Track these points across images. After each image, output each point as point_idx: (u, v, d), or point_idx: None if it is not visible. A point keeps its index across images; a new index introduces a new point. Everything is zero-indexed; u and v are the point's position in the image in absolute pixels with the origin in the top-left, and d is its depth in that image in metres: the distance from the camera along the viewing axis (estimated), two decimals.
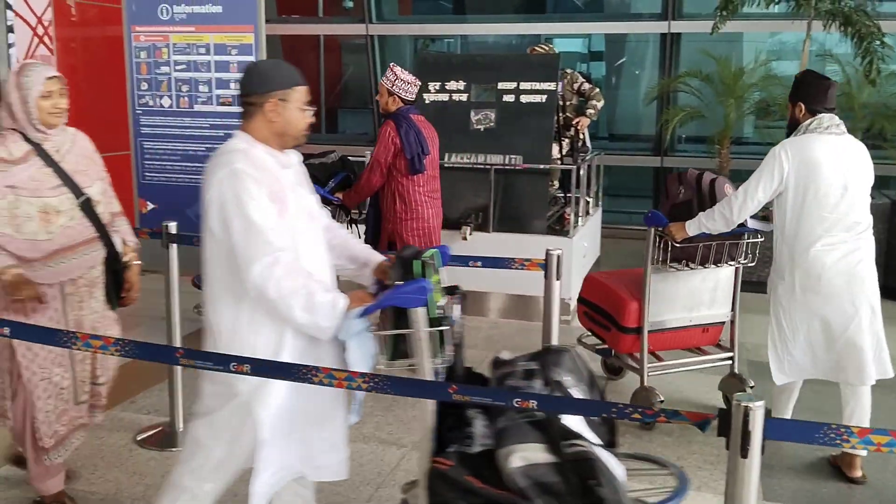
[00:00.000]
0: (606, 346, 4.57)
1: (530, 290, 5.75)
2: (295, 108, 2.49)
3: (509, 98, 6.23)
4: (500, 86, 6.25)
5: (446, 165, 6.24)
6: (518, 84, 6.20)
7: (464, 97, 6.31)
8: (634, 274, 4.36)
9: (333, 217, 5.30)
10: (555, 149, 6.44)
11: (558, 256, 3.45)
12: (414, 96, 4.88)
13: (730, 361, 4.40)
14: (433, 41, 10.14)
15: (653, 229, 4.07)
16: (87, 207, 3.13)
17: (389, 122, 4.81)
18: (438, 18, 9.96)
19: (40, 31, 7.13)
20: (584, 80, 6.88)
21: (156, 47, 6.69)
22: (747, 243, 4.09)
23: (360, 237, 4.04)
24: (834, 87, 3.74)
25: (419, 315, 2.39)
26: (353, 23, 9.06)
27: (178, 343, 3.96)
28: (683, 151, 9.51)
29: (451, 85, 6.32)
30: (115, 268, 3.27)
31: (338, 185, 5.21)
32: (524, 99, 6.18)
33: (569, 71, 6.96)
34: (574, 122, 6.82)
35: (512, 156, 6.11)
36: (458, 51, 9.95)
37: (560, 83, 6.45)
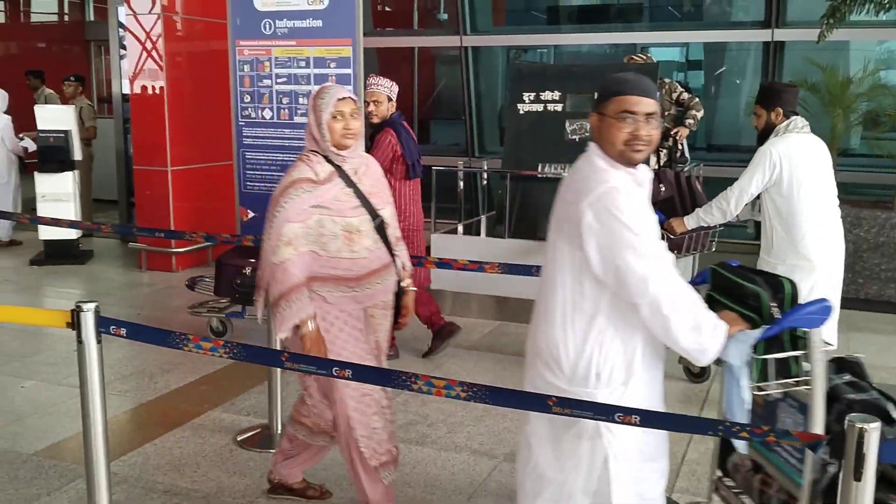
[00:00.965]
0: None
1: None
2: (610, 119, 2.31)
3: None
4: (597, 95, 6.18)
5: (539, 176, 6.22)
6: None
7: (558, 107, 6.27)
8: None
9: None
10: (652, 159, 6.32)
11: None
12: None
13: None
14: (525, 51, 10.13)
15: None
16: (382, 230, 3.12)
17: (389, 129, 4.98)
18: (532, 29, 9.94)
19: (149, 45, 7.46)
20: (682, 89, 6.74)
21: (258, 61, 6.90)
22: (714, 233, 4.70)
23: None
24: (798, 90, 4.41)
25: (817, 336, 2.27)
26: (447, 35, 9.15)
27: (277, 346, 4.05)
28: None
29: (546, 95, 6.29)
30: (396, 291, 3.22)
31: None
32: None
33: (667, 80, 6.83)
34: (672, 133, 6.69)
35: None
36: (551, 61, 9.91)
37: (658, 93, 6.33)
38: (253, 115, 6.99)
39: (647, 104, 2.28)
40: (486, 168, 7.07)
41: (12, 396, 4.66)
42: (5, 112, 8.44)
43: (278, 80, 6.86)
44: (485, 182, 7.58)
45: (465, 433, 4.21)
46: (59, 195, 7.79)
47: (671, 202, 4.66)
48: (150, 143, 7.51)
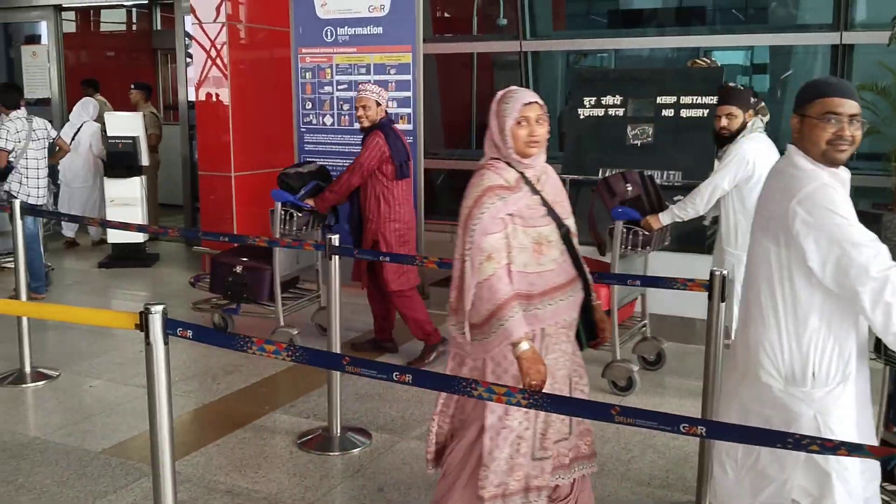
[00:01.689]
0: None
1: (688, 312, 5.53)
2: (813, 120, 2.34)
3: (668, 113, 6.06)
4: (659, 100, 6.10)
5: (600, 181, 6.15)
6: (678, 98, 6.03)
7: (620, 112, 6.20)
8: (590, 263, 4.58)
9: (308, 224, 5.62)
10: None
11: (723, 277, 3.32)
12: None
13: (644, 328, 5.25)
14: (585, 56, 10.04)
15: (620, 223, 4.74)
16: (568, 240, 2.93)
17: (378, 131, 5.16)
18: (593, 33, 9.85)
19: (213, 53, 7.61)
20: None
21: (320, 68, 6.99)
22: (669, 229, 4.94)
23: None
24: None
25: None
26: (507, 40, 9.13)
27: (337, 350, 4.09)
28: (856, 168, 8.88)
29: (607, 99, 6.23)
30: (586, 306, 2.97)
31: (308, 193, 5.50)
32: (684, 113, 6.00)
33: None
34: None
35: (671, 172, 5.94)
36: (611, 65, 9.80)
37: None
38: (314, 121, 7.09)
39: (851, 105, 2.31)
40: None
41: (81, 395, 4.79)
42: (95, 120, 8.73)
43: (339, 87, 6.94)
44: None
45: None
46: (126, 199, 8.01)
47: (639, 200, 4.88)
48: (215, 149, 7.65)
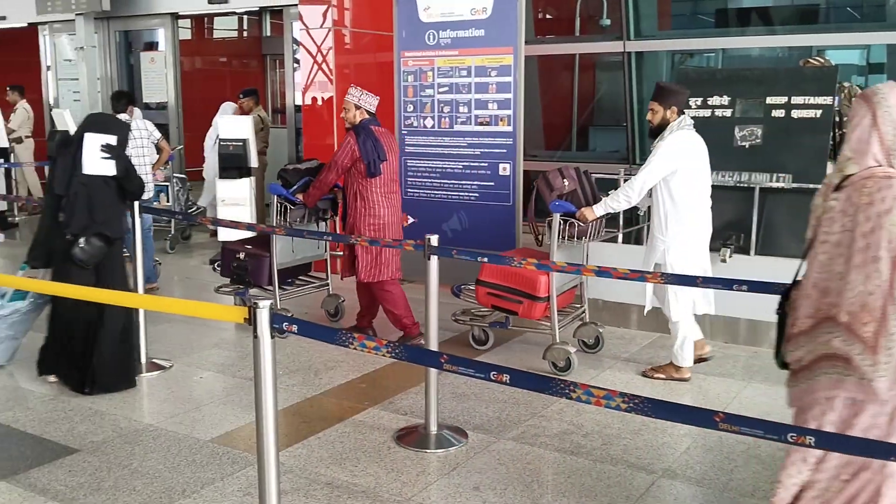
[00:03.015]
0: (504, 320, 5.56)
1: (623, 298, 5.47)
2: None
3: (779, 113, 5.86)
4: (769, 100, 5.90)
5: (540, 176, 5.99)
6: (789, 98, 5.82)
7: (727, 113, 6.03)
8: (531, 253, 5.39)
9: (303, 217, 6.17)
10: (829, 168, 5.95)
11: None
12: (374, 109, 5.70)
13: (584, 313, 5.64)
14: (691, 56, 9.81)
15: (558, 215, 5.10)
16: None
17: (351, 132, 5.59)
18: (699, 33, 9.61)
19: (319, 58, 7.81)
20: None
21: (422, 71, 7.08)
22: (606, 220, 5.40)
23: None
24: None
25: None
26: (610, 40, 9.01)
27: (434, 348, 4.13)
28: None
29: (714, 100, 6.07)
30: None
31: (299, 188, 5.96)
32: (796, 114, 5.78)
33: (846, 84, 6.41)
34: None
35: (780, 174, 5.74)
36: (718, 65, 9.53)
37: (836, 97, 5.97)
38: (415, 123, 7.18)
39: None
40: None
41: (192, 386, 5.01)
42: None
43: (440, 90, 7.02)
44: None
45: (621, 446, 4.12)
46: (237, 199, 8.29)
47: (575, 194, 5.25)
48: (319, 152, 7.84)
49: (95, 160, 4.71)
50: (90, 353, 4.71)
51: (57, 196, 4.68)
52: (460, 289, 5.81)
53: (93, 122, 4.92)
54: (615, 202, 5.02)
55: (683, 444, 4.14)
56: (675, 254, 4.84)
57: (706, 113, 6.11)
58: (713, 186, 5.88)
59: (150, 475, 3.79)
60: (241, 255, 6.15)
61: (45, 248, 4.72)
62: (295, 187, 5.95)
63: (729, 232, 5.80)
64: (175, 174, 9.33)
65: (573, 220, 5.13)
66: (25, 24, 11.98)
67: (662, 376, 5.06)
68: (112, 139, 4.76)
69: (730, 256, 5.61)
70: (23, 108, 11.51)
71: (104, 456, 3.98)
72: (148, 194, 7.39)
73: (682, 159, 4.82)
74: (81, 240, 4.60)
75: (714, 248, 5.68)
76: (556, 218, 5.12)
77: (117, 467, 3.86)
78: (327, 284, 6.49)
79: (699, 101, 6.14)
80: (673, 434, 4.24)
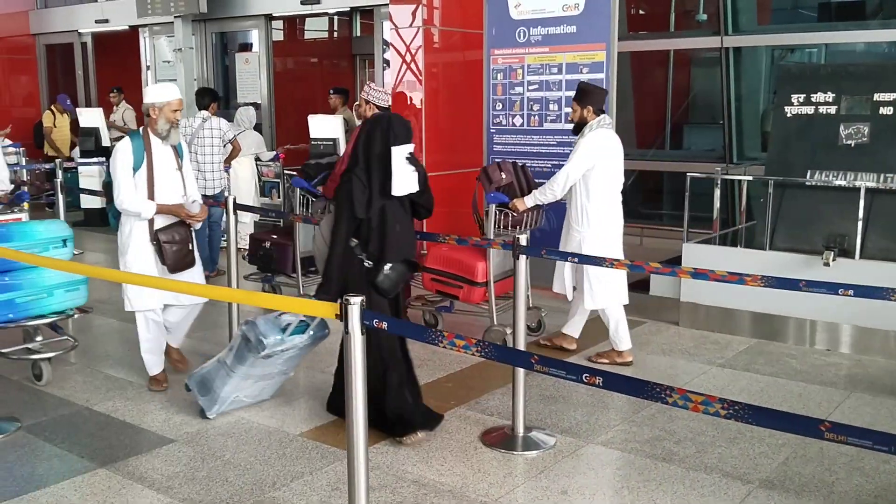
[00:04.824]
0: (448, 304, 5.93)
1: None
2: None
3: (887, 111, 5.58)
4: (877, 97, 5.62)
5: (808, 184, 5.76)
6: None
7: (832, 110, 5.78)
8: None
9: (324, 209, 5.95)
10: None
11: None
12: (387, 104, 5.70)
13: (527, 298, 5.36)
14: (792, 51, 9.46)
15: (493, 206, 5.44)
16: None
17: (360, 126, 5.77)
18: (801, 27, 9.25)
19: (408, 57, 7.84)
20: None
21: (511, 69, 7.03)
22: (543, 212, 5.78)
23: None
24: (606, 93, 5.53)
25: None
26: (707, 35, 8.76)
27: (521, 347, 4.08)
28: None
29: (818, 97, 5.82)
30: None
31: (320, 181, 6.11)
32: None
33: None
34: None
35: (889, 174, 5.46)
36: (821, 60, 9.16)
37: None
38: (504, 122, 7.13)
39: None
40: (747, 175, 6.67)
41: (288, 380, 5.08)
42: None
43: (530, 87, 6.95)
44: (744, 190, 7.16)
45: (716, 454, 3.98)
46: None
47: (512, 187, 5.57)
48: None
49: (405, 177, 4.07)
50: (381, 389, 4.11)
51: (353, 220, 4.03)
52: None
53: (397, 133, 4.10)
54: (542, 195, 5.34)
55: (782, 454, 3.97)
56: (591, 244, 5.14)
57: (809, 110, 5.87)
58: (814, 187, 5.70)
59: (242, 467, 3.87)
60: (267, 244, 6.48)
61: (340, 282, 4.00)
62: (316, 180, 6.20)
63: (832, 234, 5.55)
64: (285, 170, 9.54)
65: (508, 210, 5.46)
66: (127, 27, 12.48)
67: (606, 361, 5.31)
68: (412, 147, 4.13)
69: (833, 260, 5.37)
70: (123, 107, 12.00)
71: (198, 447, 4.09)
72: (214, 190, 7.64)
73: (599, 157, 5.12)
74: (386, 266, 4.03)
75: (816, 251, 5.47)
76: (492, 209, 5.47)
77: (211, 458, 3.96)
78: None
79: (801, 97, 5.90)
80: (770, 443, 4.07)
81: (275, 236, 6.58)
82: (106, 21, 12.69)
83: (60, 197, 7.20)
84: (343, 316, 2.73)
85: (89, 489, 3.66)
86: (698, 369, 5.23)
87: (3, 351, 4.90)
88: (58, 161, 7.86)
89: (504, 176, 5.63)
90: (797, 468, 3.84)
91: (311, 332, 4.35)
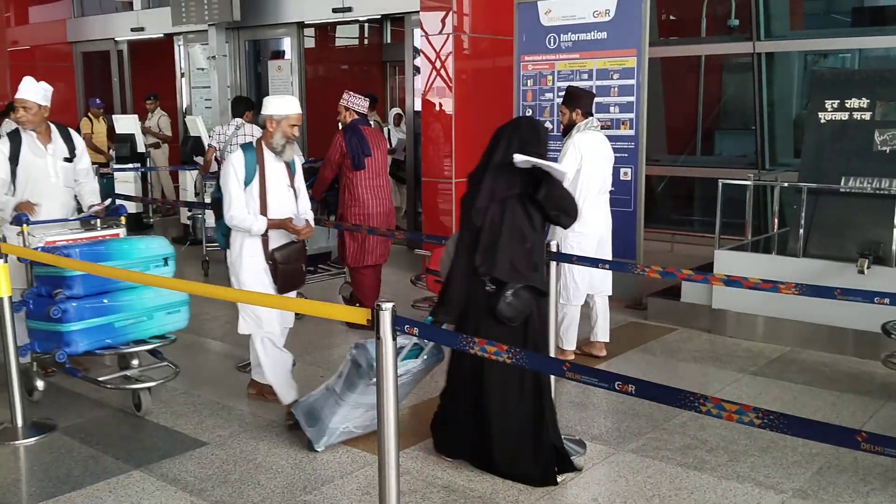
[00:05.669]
0: None
1: None
2: None
3: None
4: None
5: (842, 190, 5.69)
6: None
7: (866, 116, 5.70)
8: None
9: (316, 211, 6.36)
10: None
11: None
12: (365, 110, 6.36)
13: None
14: (825, 56, 9.35)
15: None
16: None
17: (341, 131, 6.24)
18: (834, 32, 9.14)
19: (438, 64, 7.87)
20: None
21: (542, 75, 7.03)
22: None
23: None
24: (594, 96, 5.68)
25: None
26: (739, 41, 8.70)
27: (552, 353, 4.07)
28: None
29: (852, 102, 5.75)
30: None
31: (309, 185, 6.16)
32: None
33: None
34: None
35: None
36: (854, 66, 9.04)
37: None
38: None
39: None
40: (780, 181, 6.60)
41: (313, 384, 5.08)
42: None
43: (560, 94, 6.92)
44: (776, 196, 7.09)
45: (748, 463, 3.94)
46: None
47: None
48: (437, 157, 7.92)
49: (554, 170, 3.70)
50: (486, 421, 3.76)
51: (474, 232, 3.68)
52: (419, 278, 6.33)
53: (525, 139, 3.75)
54: None
55: (815, 463, 3.93)
56: (572, 243, 5.27)
57: (843, 116, 5.80)
58: (849, 193, 5.63)
59: (273, 470, 3.90)
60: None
61: (460, 301, 3.73)
62: (308, 182, 6.50)
63: (867, 242, 5.48)
64: None
65: None
66: (162, 35, 12.65)
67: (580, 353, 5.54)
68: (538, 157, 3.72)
69: (868, 267, 5.29)
70: (159, 114, 12.19)
71: (231, 450, 4.13)
72: None
73: (585, 158, 5.24)
74: (509, 292, 3.59)
75: (851, 258, 5.40)
76: None
77: (243, 461, 4.00)
78: (344, 272, 6.79)
79: (835, 103, 5.83)
80: (804, 452, 4.03)
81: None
82: (141, 29, 12.89)
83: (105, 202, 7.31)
84: (374, 322, 2.75)
85: (123, 491, 3.72)
86: (730, 377, 5.19)
87: (99, 379, 4.63)
88: (94, 167, 7.98)
89: None
90: (831, 478, 3.79)
91: (425, 357, 3.95)
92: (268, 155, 4.41)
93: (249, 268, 4.40)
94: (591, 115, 5.41)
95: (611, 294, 5.66)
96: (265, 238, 4.39)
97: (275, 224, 4.40)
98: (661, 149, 9.52)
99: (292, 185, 4.54)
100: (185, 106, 12.82)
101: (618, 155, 6.68)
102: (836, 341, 5.56)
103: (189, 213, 9.41)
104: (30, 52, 14.03)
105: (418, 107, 8.77)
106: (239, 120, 7.90)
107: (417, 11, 8.19)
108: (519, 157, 3.59)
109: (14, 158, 4.99)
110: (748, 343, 5.83)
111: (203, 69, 12.20)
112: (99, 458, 4.07)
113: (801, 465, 3.93)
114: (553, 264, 5.27)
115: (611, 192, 5.64)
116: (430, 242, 6.60)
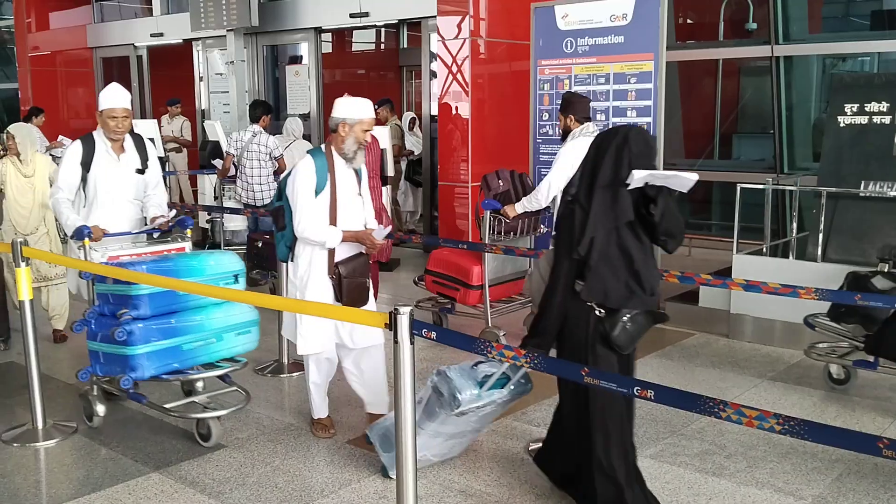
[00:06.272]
0: (449, 306, 6.14)
1: None
2: None
3: None
4: None
5: (861, 195, 5.65)
6: None
7: (886, 119, 5.66)
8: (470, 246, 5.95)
9: None
10: None
11: None
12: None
13: (531, 303, 5.59)
14: (844, 60, 9.29)
15: (489, 212, 5.65)
16: None
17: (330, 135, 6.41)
18: (853, 35, 9.08)
19: (454, 69, 7.89)
20: None
21: (558, 79, 7.02)
22: (541, 219, 6.05)
23: None
24: (590, 101, 5.66)
25: None
26: (757, 44, 8.66)
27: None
28: None
29: (872, 106, 5.71)
30: None
31: None
32: None
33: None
34: None
35: None
36: (873, 69, 8.98)
37: None
38: (550, 132, 7.12)
39: None
40: (799, 185, 6.56)
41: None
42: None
43: None
44: (795, 200, 7.05)
45: (767, 469, 3.92)
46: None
47: (508, 194, 5.81)
48: (454, 160, 7.94)
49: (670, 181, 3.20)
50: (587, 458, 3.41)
51: (575, 260, 3.28)
52: (421, 278, 6.45)
53: (636, 152, 3.24)
54: (529, 203, 5.58)
55: (835, 470, 3.90)
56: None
57: (863, 120, 5.76)
58: (868, 198, 5.59)
59: (291, 473, 3.92)
60: (259, 244, 6.82)
61: (555, 333, 3.38)
62: None
63: (887, 246, 5.43)
64: None
65: (500, 216, 5.71)
66: (181, 41, 12.75)
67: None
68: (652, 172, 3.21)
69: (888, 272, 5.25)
70: (181, 119, 12.28)
71: (249, 452, 4.15)
72: (263, 201, 7.83)
73: (577, 166, 5.01)
74: (624, 317, 3.24)
75: (870, 263, 5.35)
76: (487, 215, 5.70)
77: (261, 464, 4.02)
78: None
79: (855, 107, 5.80)
80: (824, 458, 4.00)
81: (267, 236, 6.83)
82: (161, 35, 12.99)
83: None
84: (392, 325, 2.76)
85: (143, 492, 3.75)
86: (749, 382, 5.16)
87: (166, 406, 4.31)
88: None
89: (501, 184, 5.86)
90: (851, 484, 3.76)
91: (512, 388, 3.70)
92: (338, 161, 4.11)
93: (316, 285, 4.09)
94: (589, 119, 5.46)
95: None
96: (331, 250, 4.10)
97: (351, 236, 4.11)
98: (679, 153, 9.49)
99: (360, 193, 4.28)
100: (203, 111, 12.90)
101: None
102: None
103: (208, 217, 9.47)
104: (51, 58, 14.16)
105: (435, 111, 8.79)
106: (256, 127, 7.94)
107: (434, 16, 8.22)
108: (639, 175, 3.13)
109: (86, 165, 4.74)
110: (767, 348, 5.80)
111: (221, 74, 12.29)
112: (118, 460, 4.11)
113: (820, 471, 3.90)
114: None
115: None
116: (448, 246, 6.60)
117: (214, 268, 4.28)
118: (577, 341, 3.30)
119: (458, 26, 7.74)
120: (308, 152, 4.15)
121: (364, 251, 4.20)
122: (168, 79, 13.77)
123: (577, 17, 6.81)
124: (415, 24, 10.48)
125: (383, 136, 8.66)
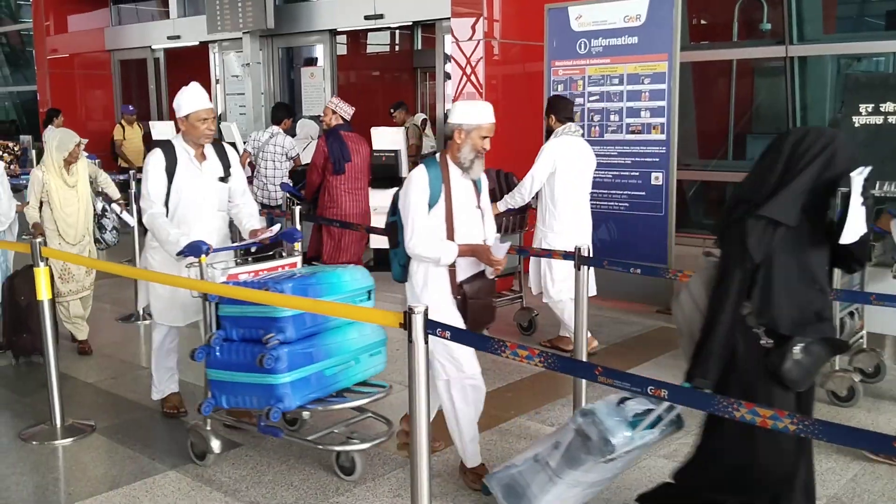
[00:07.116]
0: None
1: None
2: None
3: None
4: None
5: (876, 195, 5.61)
6: None
7: None
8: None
9: (308, 211, 6.81)
10: None
11: None
12: (349, 117, 6.74)
13: (520, 298, 6.44)
14: (859, 60, 9.24)
15: None
16: None
17: (323, 136, 6.72)
18: (868, 35, 9.03)
19: (468, 70, 7.91)
20: None
21: (572, 80, 7.04)
22: (525, 217, 6.16)
23: None
24: (573, 104, 5.98)
25: None
26: (771, 45, 8.63)
27: (583, 358, 4.08)
28: None
29: (887, 106, 5.68)
30: None
31: (301, 186, 7.05)
32: None
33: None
34: None
35: None
36: (888, 69, 8.93)
37: None
38: None
39: None
40: None
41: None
42: None
43: (590, 98, 6.95)
44: None
45: None
46: (387, 208, 8.53)
47: (493, 193, 5.71)
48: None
49: (857, 219, 2.81)
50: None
51: (746, 276, 2.85)
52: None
53: (848, 155, 2.98)
54: (512, 199, 5.69)
55: (850, 470, 3.89)
56: (550, 243, 5.49)
57: (878, 120, 5.73)
58: (884, 198, 5.55)
59: (306, 472, 3.95)
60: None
61: (723, 359, 2.91)
62: (300, 185, 7.13)
63: None
64: None
65: None
66: (197, 43, 12.84)
67: (563, 347, 5.74)
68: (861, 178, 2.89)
69: None
70: None
71: (264, 451, 4.19)
72: (277, 202, 7.88)
73: (559, 162, 5.49)
74: (796, 348, 2.80)
75: (885, 263, 5.33)
76: None
77: (276, 462, 4.05)
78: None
79: (870, 107, 5.77)
80: (838, 459, 3.99)
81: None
82: (177, 37, 13.09)
83: (134, 206, 7.41)
84: (406, 325, 2.78)
85: (160, 490, 3.79)
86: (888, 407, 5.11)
87: (308, 438, 3.94)
88: (131, 172, 8.11)
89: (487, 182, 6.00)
90: (866, 485, 3.76)
91: (663, 428, 3.19)
92: (453, 171, 3.73)
93: (438, 304, 3.57)
94: (571, 120, 5.67)
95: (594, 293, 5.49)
96: (452, 268, 3.71)
97: (467, 250, 3.69)
98: (693, 153, 9.47)
99: (479, 206, 3.86)
100: (219, 112, 12.99)
101: (649, 159, 6.70)
102: (870, 346, 5.49)
103: None
104: (69, 60, 14.29)
105: None
106: (275, 128, 8.02)
107: (448, 18, 8.24)
108: (857, 181, 2.79)
109: (169, 175, 4.34)
110: None
111: (237, 76, 12.37)
112: (136, 458, 4.16)
113: (835, 471, 3.89)
114: (543, 262, 5.65)
115: (634, 195, 5.88)
116: None
117: (351, 283, 3.94)
118: (745, 376, 2.88)
119: (472, 28, 7.76)
120: (422, 161, 3.84)
121: (484, 270, 3.79)
122: (185, 81, 13.79)
123: (590, 18, 6.83)
124: (429, 26, 10.52)
125: (398, 138, 8.71)
